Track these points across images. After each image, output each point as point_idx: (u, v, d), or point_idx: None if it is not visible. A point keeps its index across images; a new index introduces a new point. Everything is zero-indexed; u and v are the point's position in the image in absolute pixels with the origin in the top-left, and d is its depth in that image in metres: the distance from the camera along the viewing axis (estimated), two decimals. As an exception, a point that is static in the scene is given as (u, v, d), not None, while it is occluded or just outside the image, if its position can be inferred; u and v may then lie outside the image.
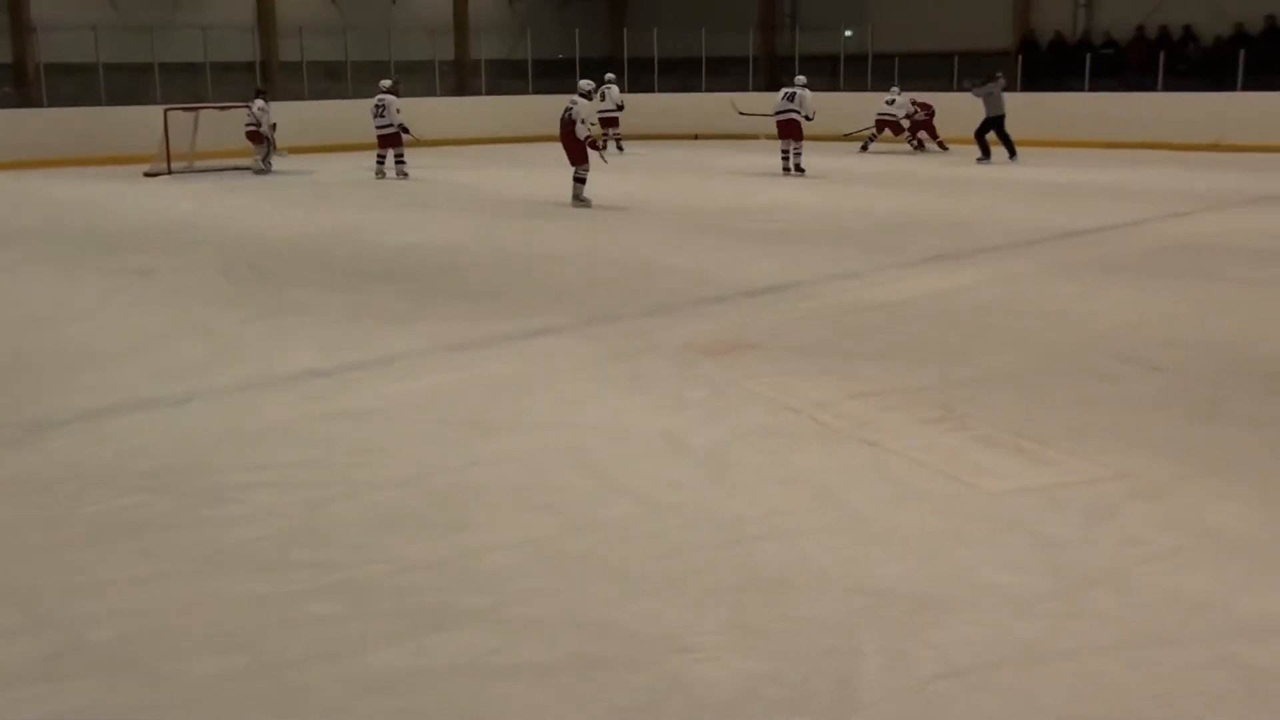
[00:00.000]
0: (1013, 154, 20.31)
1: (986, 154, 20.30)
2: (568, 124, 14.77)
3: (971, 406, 6.11)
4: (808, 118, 18.27)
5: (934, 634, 3.71)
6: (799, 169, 18.47)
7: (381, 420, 6.03)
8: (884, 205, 14.74)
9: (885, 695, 3.38)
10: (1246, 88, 21.53)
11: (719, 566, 4.25)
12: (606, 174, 16.20)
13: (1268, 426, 5.82)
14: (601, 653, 3.65)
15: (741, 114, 20.93)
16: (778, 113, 18.69)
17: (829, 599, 3.99)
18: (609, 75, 23.86)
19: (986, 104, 20.21)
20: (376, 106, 18.72)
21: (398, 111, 18.62)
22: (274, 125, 19.54)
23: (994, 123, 20.26)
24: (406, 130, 18.79)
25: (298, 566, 4.28)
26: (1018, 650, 3.62)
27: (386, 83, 18.95)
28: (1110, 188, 16.36)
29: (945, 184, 17.12)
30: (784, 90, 19.02)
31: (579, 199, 14.80)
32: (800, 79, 18.91)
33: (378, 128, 18.70)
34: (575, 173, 14.85)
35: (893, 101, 22.59)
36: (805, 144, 18.64)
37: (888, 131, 22.95)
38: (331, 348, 7.51)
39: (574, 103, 14.83)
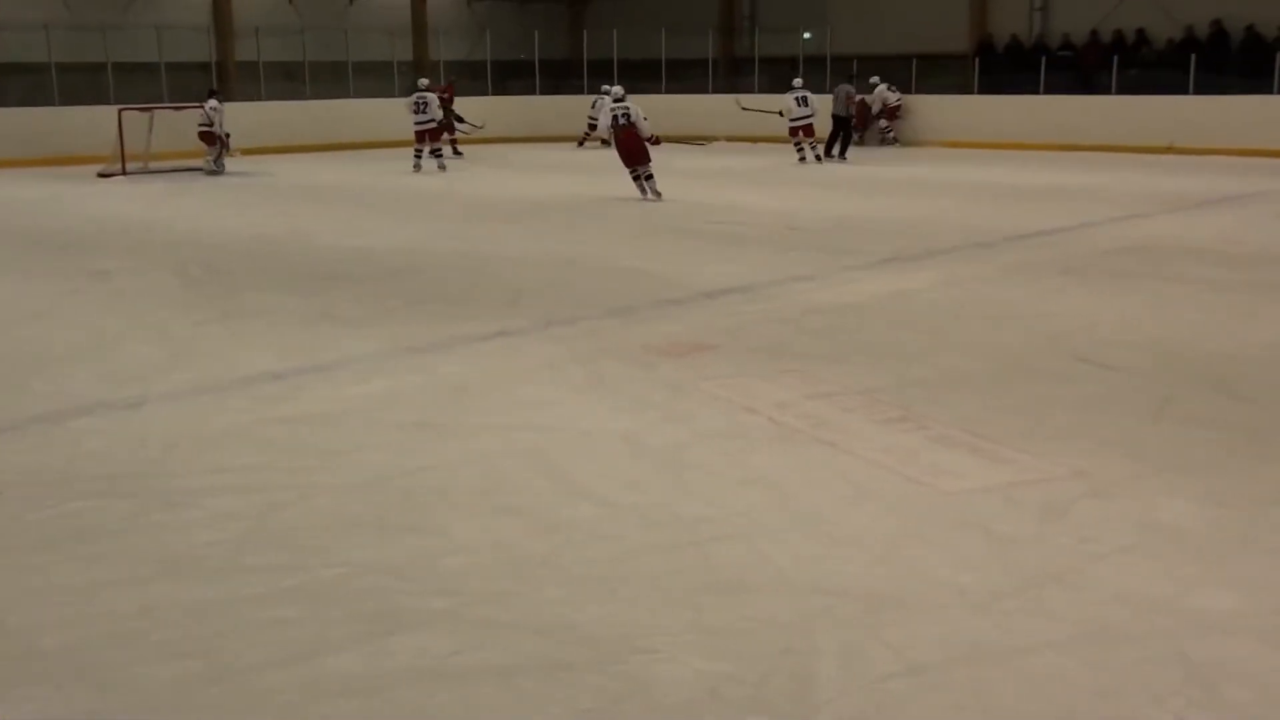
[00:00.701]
0: (843, 155, 22.28)
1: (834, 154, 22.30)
2: (628, 127, 15.49)
3: (929, 407, 6.15)
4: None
5: (891, 633, 3.74)
6: (842, 156, 21.29)
7: (338, 423, 6.00)
8: (837, 206, 14.82)
9: (842, 694, 3.40)
10: (1197, 91, 21.83)
11: (678, 567, 4.25)
12: (569, 175, 16.23)
13: (1218, 425, 5.90)
14: (562, 654, 3.65)
15: (745, 109, 22.37)
16: (801, 117, 20.89)
17: (787, 599, 4.01)
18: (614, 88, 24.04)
19: (836, 105, 22.29)
20: (417, 102, 19.83)
21: (439, 108, 20.19)
22: (227, 134, 19.42)
23: (840, 122, 22.38)
24: (462, 120, 21.27)
25: (254, 571, 4.25)
26: (973, 648, 3.65)
27: (425, 81, 20.86)
28: (1065, 190, 16.53)
29: (902, 186, 17.23)
30: (796, 95, 20.85)
31: (655, 192, 15.56)
32: (798, 81, 20.87)
33: (416, 123, 20.01)
34: (645, 171, 15.60)
35: (804, 100, 21.27)
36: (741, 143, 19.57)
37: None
38: (287, 351, 7.46)
39: (627, 107, 15.65)
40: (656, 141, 15.81)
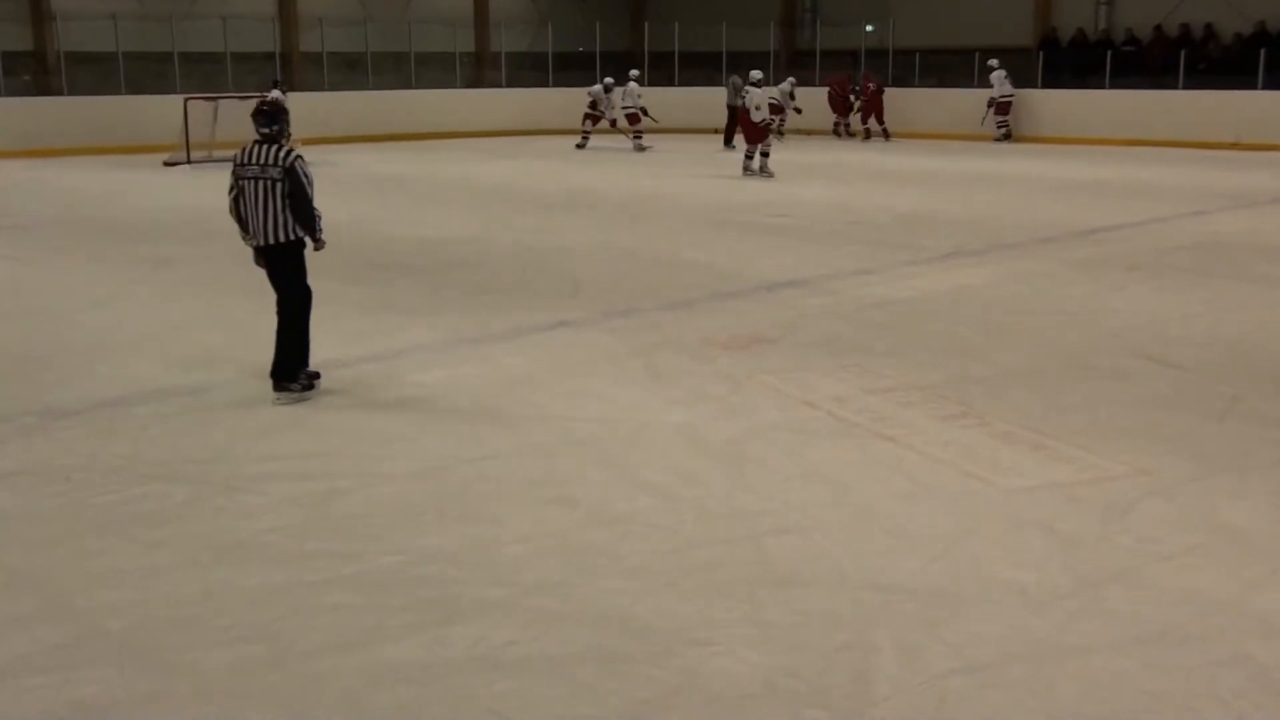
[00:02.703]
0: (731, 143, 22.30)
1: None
2: (744, 110, 17.14)
3: (989, 403, 6.09)
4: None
5: (948, 630, 3.71)
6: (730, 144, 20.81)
7: (399, 412, 6.05)
8: (900, 201, 14.69)
9: (900, 690, 3.37)
10: (1267, 86, 21.39)
11: (735, 561, 4.25)
12: (629, 167, 16.25)
13: (1286, 426, 5.80)
14: (618, 646, 3.65)
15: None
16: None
17: (845, 594, 3.99)
18: (633, 71, 23.78)
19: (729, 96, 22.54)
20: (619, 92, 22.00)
21: (639, 96, 22.05)
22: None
23: (732, 112, 22.44)
24: (646, 113, 21.90)
25: (313, 557, 4.30)
26: (1032, 647, 3.61)
27: (610, 80, 22.44)
28: (1130, 186, 16.28)
29: (962, 180, 17.06)
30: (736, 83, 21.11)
31: (765, 170, 17.03)
32: (756, 73, 18.30)
33: (624, 108, 22.28)
34: (761, 148, 17.08)
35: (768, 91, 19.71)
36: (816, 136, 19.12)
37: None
38: (349, 339, 7.53)
39: (748, 91, 17.21)
40: (771, 127, 17.42)
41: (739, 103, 22.85)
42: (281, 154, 6.06)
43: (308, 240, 6.24)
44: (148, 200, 15.11)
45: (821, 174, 18.22)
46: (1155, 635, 3.68)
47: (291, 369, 6.23)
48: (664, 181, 16.80)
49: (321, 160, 19.89)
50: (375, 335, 7.68)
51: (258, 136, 6.13)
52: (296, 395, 6.18)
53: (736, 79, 22.59)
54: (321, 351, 7.22)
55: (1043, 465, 5.24)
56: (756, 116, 17.02)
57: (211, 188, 16.48)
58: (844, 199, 15.09)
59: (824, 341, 7.49)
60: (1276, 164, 18.71)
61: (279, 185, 6.03)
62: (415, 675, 3.47)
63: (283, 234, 6.11)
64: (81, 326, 8.05)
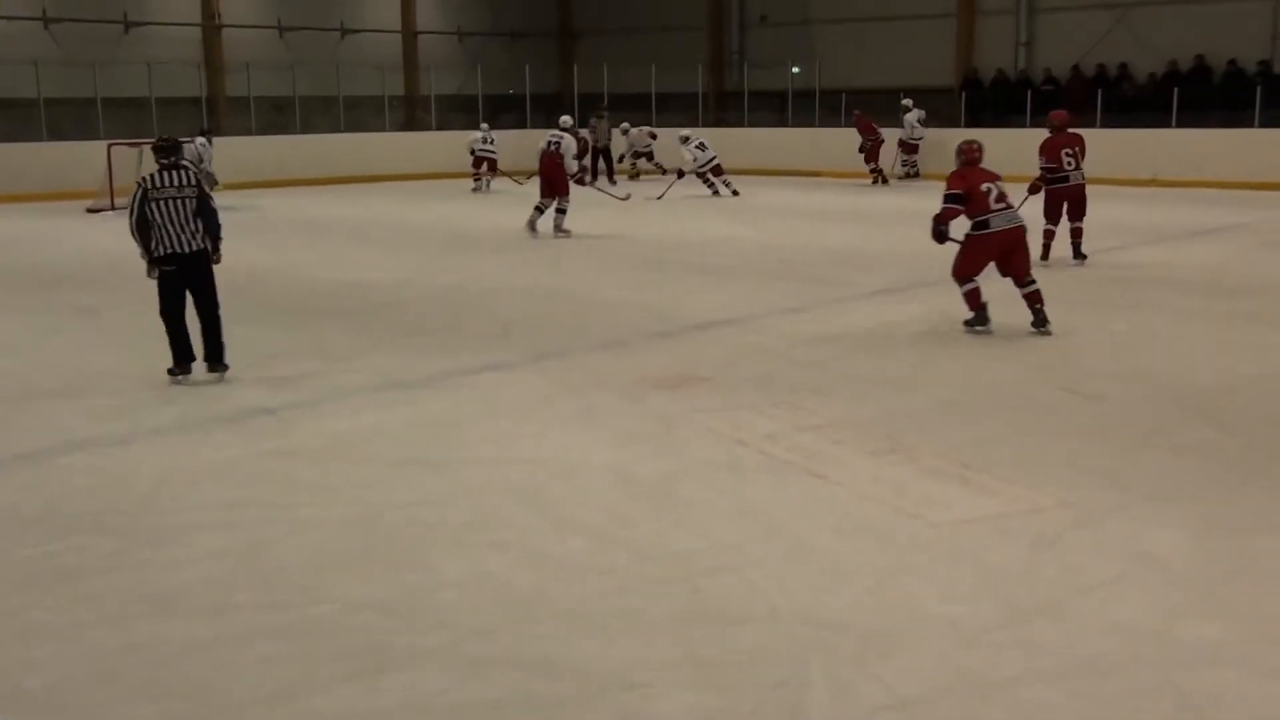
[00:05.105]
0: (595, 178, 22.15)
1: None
2: (554, 156, 15.00)
3: (918, 438, 6.16)
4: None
5: (881, 665, 3.73)
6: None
7: (327, 458, 5.99)
8: (827, 239, 14.86)
9: (833, 728, 3.39)
10: (1180, 124, 22.00)
11: (669, 601, 4.25)
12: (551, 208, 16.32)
13: (1200, 454, 5.93)
14: (552, 690, 3.63)
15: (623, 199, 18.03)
16: (709, 160, 20.78)
17: (778, 631, 4.00)
18: (624, 124, 24.40)
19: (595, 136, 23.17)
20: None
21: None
22: (214, 184, 19.38)
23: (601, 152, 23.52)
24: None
25: (241, 608, 4.23)
26: (962, 680, 3.65)
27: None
28: (1051, 221, 16.57)
29: (891, 217, 17.29)
30: (695, 142, 20.74)
31: (560, 229, 15.04)
32: (565, 119, 16.92)
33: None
34: (559, 204, 15.10)
35: (554, 141, 15.46)
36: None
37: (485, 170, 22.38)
38: (276, 384, 7.45)
39: (561, 137, 15.18)
40: (581, 180, 15.39)
41: (604, 143, 23.37)
42: (191, 175, 7.32)
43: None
44: (69, 247, 14.86)
45: (746, 212, 18.38)
46: (1082, 666, 3.73)
47: (219, 354, 7.47)
48: (592, 222, 16.84)
49: (249, 204, 19.73)
50: (304, 380, 7.61)
51: (159, 165, 7.30)
52: (220, 375, 7.43)
53: (685, 132, 22.73)
54: (249, 397, 7.14)
55: (971, 498, 5.30)
56: (572, 167, 15.00)
57: (136, 233, 16.30)
58: (770, 237, 15.22)
59: (755, 379, 7.54)
60: (1191, 200, 19.21)
61: (191, 202, 7.22)
62: (346, 726, 3.42)
63: (197, 243, 7.30)
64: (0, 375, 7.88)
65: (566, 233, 15.02)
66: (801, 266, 12.55)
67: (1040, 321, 8.71)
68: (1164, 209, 17.94)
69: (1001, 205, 8.66)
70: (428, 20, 30.02)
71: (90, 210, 18.77)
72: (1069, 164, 11.81)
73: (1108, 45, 24.47)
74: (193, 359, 7.49)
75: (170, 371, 7.44)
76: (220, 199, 20.57)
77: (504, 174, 22.25)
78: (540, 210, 15.17)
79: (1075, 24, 25.04)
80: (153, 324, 9.53)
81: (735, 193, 21.04)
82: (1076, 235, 11.96)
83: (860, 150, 23.13)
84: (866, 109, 23.46)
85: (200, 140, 19.39)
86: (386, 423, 6.64)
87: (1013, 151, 12.71)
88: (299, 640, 3.97)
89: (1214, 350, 8.35)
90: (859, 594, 4.29)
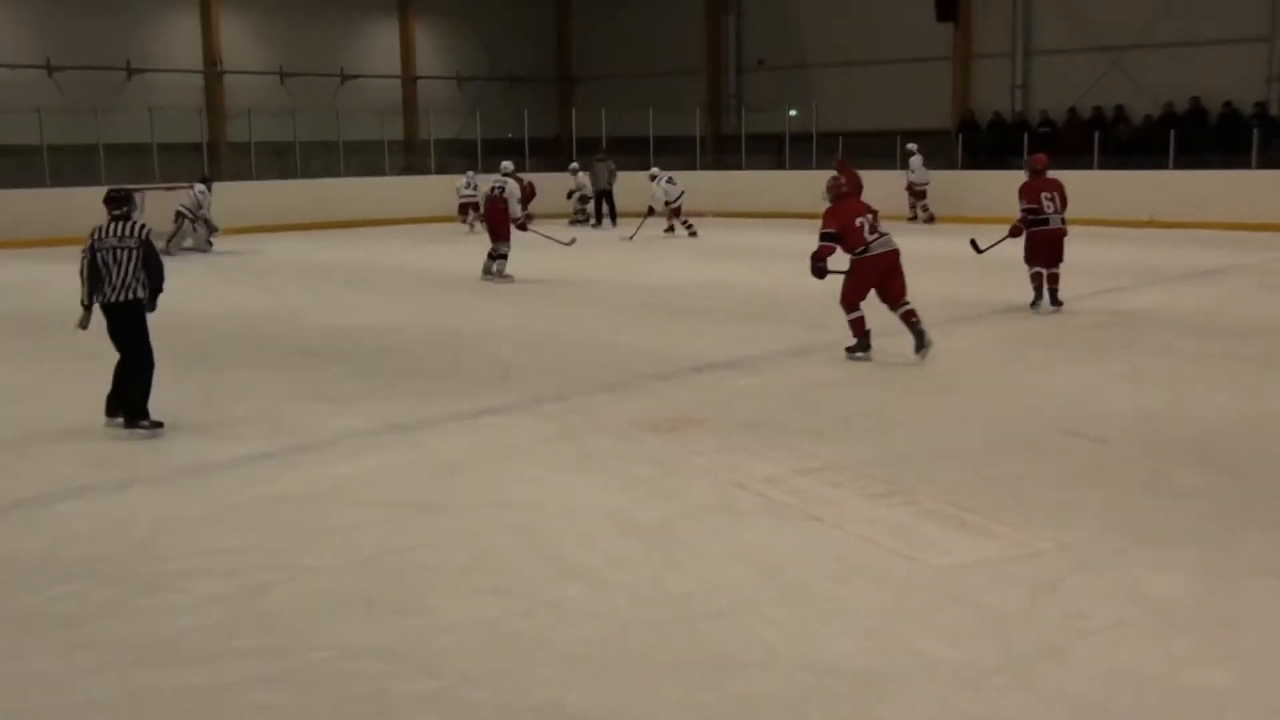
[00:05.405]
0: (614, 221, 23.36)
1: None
2: (498, 202, 15.25)
3: (916, 480, 6.16)
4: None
5: (880, 709, 3.72)
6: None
7: (327, 502, 5.98)
8: (819, 282, 14.86)
9: (833, 774, 3.36)
10: (1178, 166, 22.11)
11: (668, 644, 4.23)
12: (546, 251, 16.40)
13: (1201, 497, 5.92)
14: (548, 736, 3.61)
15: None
16: (678, 196, 21.45)
17: (777, 676, 3.99)
18: (573, 164, 24.44)
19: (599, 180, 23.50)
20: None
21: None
22: (214, 230, 19.45)
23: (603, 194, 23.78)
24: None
25: (239, 655, 4.21)
26: (964, 726, 3.63)
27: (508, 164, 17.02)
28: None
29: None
30: (665, 178, 21.22)
31: (502, 274, 15.20)
32: (506, 164, 16.51)
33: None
34: (499, 248, 15.26)
35: (498, 187, 15.73)
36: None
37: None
38: (276, 429, 7.45)
39: (504, 183, 15.42)
40: (524, 226, 15.47)
41: (604, 186, 23.47)
42: (136, 228, 7.46)
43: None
44: (70, 293, 14.86)
45: (741, 254, 18.43)
46: (1084, 712, 3.72)
47: (137, 412, 7.31)
48: (587, 264, 16.89)
49: (249, 249, 19.82)
50: (303, 424, 7.61)
51: (110, 216, 7.48)
52: (148, 431, 7.24)
53: (654, 169, 22.97)
54: (248, 441, 7.14)
55: (970, 542, 5.29)
56: (516, 211, 15.09)
57: (137, 278, 16.36)
58: (761, 280, 15.26)
59: (753, 422, 7.55)
60: (1188, 241, 19.28)
61: (135, 253, 7.37)
62: (343, 774, 3.41)
63: (133, 293, 7.41)
64: None
65: (509, 278, 15.12)
66: (796, 309, 12.56)
67: (922, 341, 9.16)
68: (1162, 250, 18.00)
69: (874, 235, 9.24)
70: (427, 65, 30.27)
71: (92, 255, 18.82)
72: (1049, 207, 11.80)
73: (1103, 88, 24.66)
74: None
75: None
76: (220, 244, 20.72)
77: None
78: (493, 257, 15.34)
79: (1071, 67, 25.24)
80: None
81: (693, 234, 21.32)
82: (1053, 281, 11.83)
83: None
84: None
85: (199, 187, 19.50)
86: (386, 466, 6.64)
87: (1010, 193, 12.72)
88: (298, 687, 3.96)
89: (1213, 392, 8.36)
90: (858, 637, 4.28)
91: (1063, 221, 11.85)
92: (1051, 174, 12.32)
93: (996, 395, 8.26)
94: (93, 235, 7.51)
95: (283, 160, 25.77)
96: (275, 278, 16.20)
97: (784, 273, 16.07)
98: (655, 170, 22.58)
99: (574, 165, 24.52)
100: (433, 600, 4.69)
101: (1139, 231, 20.85)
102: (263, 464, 6.66)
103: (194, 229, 19.54)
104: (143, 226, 7.51)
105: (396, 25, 29.76)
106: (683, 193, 21.80)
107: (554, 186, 24.14)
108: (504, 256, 15.23)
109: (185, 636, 4.37)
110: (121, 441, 7.24)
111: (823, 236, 9.30)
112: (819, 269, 9.37)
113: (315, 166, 25.86)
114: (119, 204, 7.54)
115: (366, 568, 5.05)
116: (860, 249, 9.24)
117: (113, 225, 7.47)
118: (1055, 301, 11.75)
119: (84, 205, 19.69)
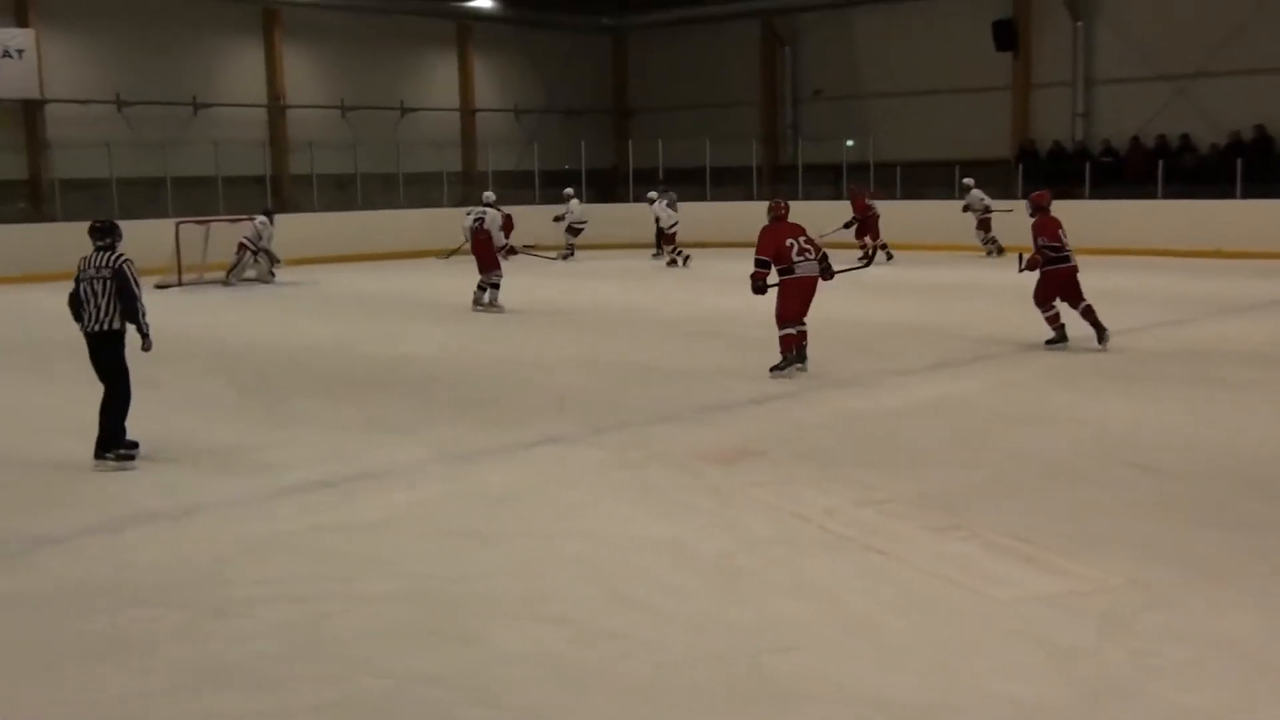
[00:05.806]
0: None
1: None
2: (480, 233, 15.38)
3: (978, 513, 6.09)
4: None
5: (946, 747, 3.66)
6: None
7: (387, 531, 6.02)
8: (881, 312, 14.81)
9: (898, 811, 3.32)
10: (1245, 195, 21.77)
11: (729, 678, 4.21)
12: (607, 281, 16.41)
13: (1267, 531, 5.80)
14: (610, 768, 3.60)
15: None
16: (675, 223, 21.38)
17: (841, 711, 3.95)
18: (567, 190, 24.13)
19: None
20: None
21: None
22: (276, 261, 19.67)
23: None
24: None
25: (302, 681, 4.24)
26: (1032, 763, 3.57)
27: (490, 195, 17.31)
28: (1110, 293, 16.37)
29: (942, 291, 17.23)
30: (666, 200, 20.95)
31: (494, 304, 15.22)
32: (489, 195, 16.79)
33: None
34: (488, 278, 15.32)
35: (479, 218, 15.91)
36: None
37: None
38: (337, 458, 7.52)
39: (484, 213, 15.57)
40: (510, 253, 15.83)
41: (671, 217, 22.87)
42: (111, 259, 7.46)
43: (129, 338, 7.61)
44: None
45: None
46: (1155, 748, 3.64)
47: (107, 443, 7.41)
48: (639, 294, 16.91)
49: (310, 280, 20.08)
50: (362, 454, 7.68)
51: (95, 247, 7.52)
52: (115, 465, 7.31)
53: (653, 193, 22.92)
54: (309, 469, 7.22)
55: (1035, 576, 5.22)
56: (499, 240, 15.31)
57: (202, 309, 16.62)
58: (819, 311, 15.16)
59: (813, 453, 7.51)
60: (1254, 272, 18.98)
61: (109, 283, 7.40)
62: (405, 803, 3.41)
63: (107, 324, 7.47)
64: (67, 451, 8.00)
65: (500, 308, 15.18)
66: (856, 340, 12.50)
67: (800, 358, 10.02)
68: (1227, 280, 17.73)
69: (801, 257, 9.96)
70: (485, 99, 30.57)
71: (159, 286, 19.16)
72: (1068, 244, 11.53)
73: (1168, 116, 24.35)
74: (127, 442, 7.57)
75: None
76: (282, 275, 20.98)
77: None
78: (483, 288, 15.41)
79: (1133, 95, 24.95)
80: (215, 395, 9.71)
81: (683, 263, 21.22)
82: (1089, 315, 11.27)
83: (846, 225, 21.42)
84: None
85: (260, 219, 19.81)
86: (445, 495, 6.67)
87: (1073, 223, 12.48)
88: (357, 714, 3.98)
89: (1275, 425, 8.20)
90: (922, 673, 4.22)
91: (1073, 257, 11.55)
92: (1115, 204, 12.11)
93: (1058, 428, 8.15)
94: (79, 265, 7.59)
95: (344, 192, 26.14)
96: (335, 308, 16.39)
97: (833, 303, 16.00)
98: (653, 194, 22.45)
99: (651, 194, 23.67)
100: (493, 630, 4.70)
101: (1204, 262, 20.55)
102: (324, 493, 6.72)
103: (255, 260, 19.85)
104: (119, 257, 7.51)
105: (455, 59, 30.09)
106: (677, 221, 21.62)
107: (616, 217, 24.22)
108: (495, 286, 15.33)
109: (250, 662, 4.41)
110: (188, 469, 7.34)
111: (756, 262, 9.99)
112: (758, 287, 10.03)
113: (376, 198, 26.18)
114: (103, 234, 7.57)
115: (427, 596, 5.07)
116: (786, 268, 9.96)
117: (95, 256, 7.53)
118: (1103, 338, 11.26)
119: (152, 237, 20.17)
